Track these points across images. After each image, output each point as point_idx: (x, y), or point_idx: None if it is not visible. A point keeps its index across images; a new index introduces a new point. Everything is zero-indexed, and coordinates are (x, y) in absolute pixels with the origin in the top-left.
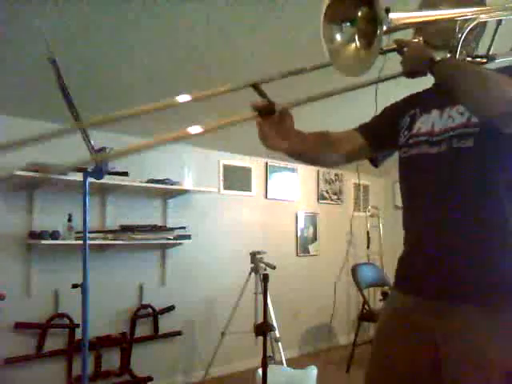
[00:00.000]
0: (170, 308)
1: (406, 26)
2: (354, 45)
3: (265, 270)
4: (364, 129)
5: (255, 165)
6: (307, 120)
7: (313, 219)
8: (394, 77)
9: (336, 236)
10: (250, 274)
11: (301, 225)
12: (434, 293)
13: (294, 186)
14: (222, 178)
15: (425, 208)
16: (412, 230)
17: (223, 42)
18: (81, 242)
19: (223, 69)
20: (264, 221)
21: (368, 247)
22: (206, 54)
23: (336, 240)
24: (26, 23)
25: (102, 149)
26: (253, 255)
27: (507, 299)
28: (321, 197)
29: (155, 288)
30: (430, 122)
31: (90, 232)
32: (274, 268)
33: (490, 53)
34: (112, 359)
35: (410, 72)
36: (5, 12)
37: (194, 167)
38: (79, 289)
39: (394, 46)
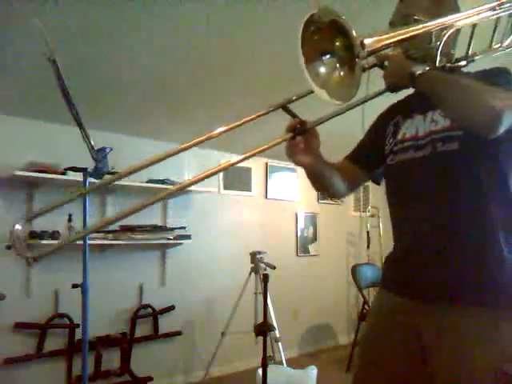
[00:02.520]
0: (170, 308)
1: (385, 47)
2: (337, 73)
3: (265, 270)
4: (356, 158)
5: (255, 165)
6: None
7: (313, 219)
8: (380, 94)
9: (336, 236)
10: (250, 274)
11: (301, 225)
12: (423, 294)
13: (293, 186)
14: (221, 178)
15: (412, 212)
16: (400, 232)
17: (223, 42)
18: (81, 242)
19: (223, 69)
20: (264, 221)
21: (368, 247)
22: (206, 54)
23: (336, 240)
24: (25, 23)
25: (102, 149)
26: (253, 255)
27: (495, 299)
28: (321, 197)
29: (155, 288)
30: (414, 126)
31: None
32: (273, 268)
33: (469, 55)
34: (112, 359)
35: (393, 87)
36: (5, 12)
37: (193, 167)
38: (79, 289)
39: (375, 61)
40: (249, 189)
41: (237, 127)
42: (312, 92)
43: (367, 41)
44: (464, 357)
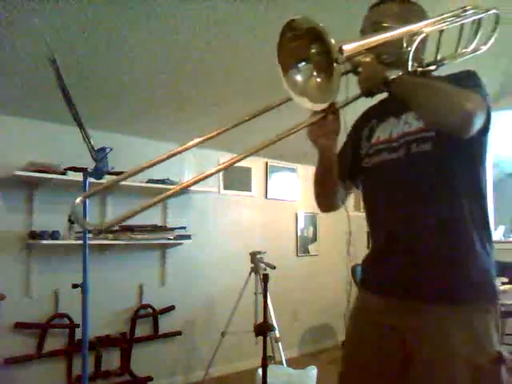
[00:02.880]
0: (170, 308)
1: (360, 52)
2: (315, 79)
3: (265, 270)
4: (341, 174)
5: (255, 165)
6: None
7: (313, 219)
8: (355, 99)
9: (336, 236)
10: (250, 274)
11: (301, 225)
12: (403, 293)
13: (293, 186)
14: (222, 177)
15: (387, 212)
16: (376, 233)
17: (223, 42)
18: (81, 241)
19: (223, 69)
20: (264, 221)
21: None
22: (206, 54)
23: (336, 240)
24: (25, 23)
25: (102, 149)
26: (253, 255)
27: (469, 296)
28: None
29: (155, 288)
30: (387, 129)
31: (90, 232)
32: (273, 268)
33: (438, 59)
34: (112, 359)
35: (368, 92)
36: (5, 12)
37: (194, 167)
38: (79, 289)
39: (349, 68)
40: (249, 189)
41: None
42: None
43: (345, 46)
44: (441, 353)
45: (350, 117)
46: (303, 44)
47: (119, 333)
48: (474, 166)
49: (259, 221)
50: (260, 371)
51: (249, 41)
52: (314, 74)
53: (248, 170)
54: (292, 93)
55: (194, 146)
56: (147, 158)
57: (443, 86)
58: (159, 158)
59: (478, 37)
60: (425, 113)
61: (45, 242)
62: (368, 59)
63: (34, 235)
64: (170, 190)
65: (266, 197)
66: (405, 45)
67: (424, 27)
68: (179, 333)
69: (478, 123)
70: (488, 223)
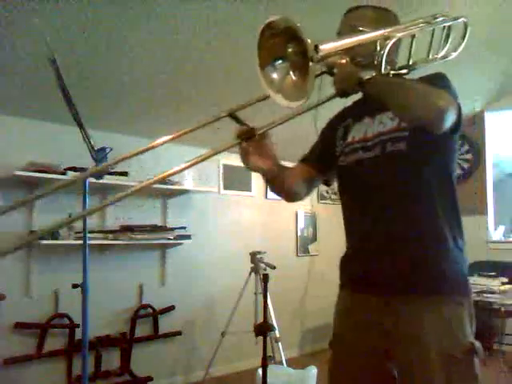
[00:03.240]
0: (170, 308)
1: (335, 53)
2: (291, 77)
3: (265, 270)
4: (309, 160)
5: None
6: None
7: (313, 219)
8: (329, 99)
9: (336, 236)
10: (250, 274)
11: (301, 225)
12: (380, 289)
13: None
14: (222, 177)
15: (363, 211)
16: (353, 232)
17: (223, 42)
18: (81, 241)
19: (223, 69)
20: (264, 221)
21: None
22: (206, 54)
23: (336, 240)
24: (26, 23)
25: (102, 149)
26: (253, 255)
27: (443, 289)
28: (321, 197)
29: (155, 288)
30: (363, 129)
31: (89, 232)
32: (273, 268)
33: (410, 63)
34: (112, 359)
35: (343, 92)
36: (5, 12)
37: (194, 167)
38: (79, 289)
39: (325, 69)
40: (249, 189)
41: (183, 134)
42: (263, 99)
43: (321, 45)
44: (417, 345)
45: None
46: (281, 42)
47: (119, 333)
48: (446, 164)
49: (259, 221)
50: (260, 371)
51: (249, 41)
52: (291, 72)
53: (248, 170)
54: (269, 90)
55: (164, 143)
56: (147, 157)
57: (416, 85)
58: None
59: (448, 44)
60: (399, 110)
61: (45, 242)
62: (343, 61)
63: None
64: (171, 190)
65: (266, 197)
66: (378, 48)
67: (397, 31)
68: (179, 333)
69: (449, 119)
70: (460, 220)
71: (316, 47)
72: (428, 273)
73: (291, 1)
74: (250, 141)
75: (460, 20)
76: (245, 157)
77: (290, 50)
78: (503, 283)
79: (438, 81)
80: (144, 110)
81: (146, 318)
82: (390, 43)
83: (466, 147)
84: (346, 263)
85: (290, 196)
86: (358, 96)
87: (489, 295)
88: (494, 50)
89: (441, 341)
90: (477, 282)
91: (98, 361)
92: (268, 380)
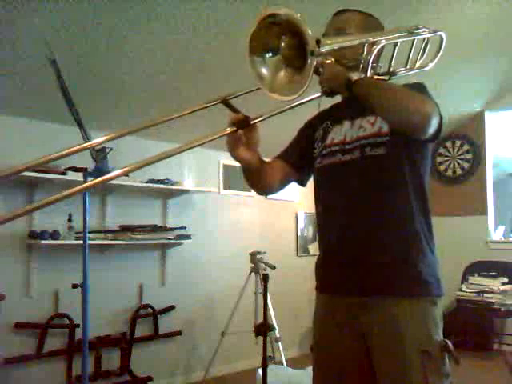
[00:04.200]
0: (170, 308)
1: (330, 52)
2: (288, 71)
3: (265, 270)
4: (286, 157)
5: None
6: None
7: (313, 219)
8: (316, 98)
9: None
10: (250, 274)
11: (301, 225)
12: (355, 291)
13: (294, 186)
14: (222, 178)
15: (339, 213)
16: (327, 234)
17: (223, 42)
18: (81, 241)
19: (223, 69)
20: (264, 221)
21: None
22: (206, 54)
23: None
24: (26, 23)
25: (102, 149)
26: (253, 255)
27: (419, 290)
28: None
29: (155, 288)
30: (342, 132)
31: (90, 232)
32: (273, 268)
33: (391, 70)
34: (112, 359)
35: (330, 91)
36: (5, 12)
37: (194, 167)
38: (79, 289)
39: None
40: (249, 189)
41: (167, 121)
42: (257, 89)
43: (323, 40)
44: (394, 342)
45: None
46: (275, 35)
47: (119, 333)
48: (420, 169)
49: (259, 221)
50: (260, 371)
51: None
52: (284, 66)
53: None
54: (261, 84)
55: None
56: (146, 157)
57: (403, 89)
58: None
59: (425, 55)
60: (386, 112)
61: (45, 241)
62: (329, 61)
63: (34, 235)
64: (171, 190)
65: (266, 197)
66: (365, 52)
67: (383, 37)
68: (179, 333)
69: (433, 126)
70: (431, 223)
71: (318, 42)
72: (406, 275)
73: (291, 1)
74: (243, 129)
75: (438, 33)
76: (234, 145)
77: (284, 43)
78: (503, 283)
79: (420, 90)
80: (144, 110)
81: (146, 317)
82: (377, 48)
83: (466, 147)
84: (322, 266)
85: (264, 190)
86: (337, 99)
87: (489, 295)
88: (494, 50)
89: (417, 339)
90: (477, 281)
91: (98, 361)
92: (268, 380)
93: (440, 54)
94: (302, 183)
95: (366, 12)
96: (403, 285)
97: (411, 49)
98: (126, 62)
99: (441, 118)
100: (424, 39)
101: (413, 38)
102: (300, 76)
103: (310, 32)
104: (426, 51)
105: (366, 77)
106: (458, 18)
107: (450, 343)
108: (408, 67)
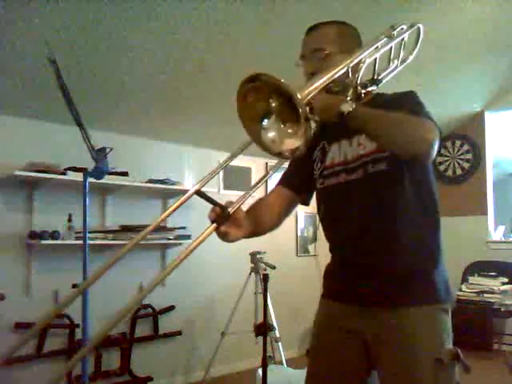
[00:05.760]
0: (170, 308)
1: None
2: (284, 130)
3: (265, 270)
4: (287, 182)
5: (255, 165)
6: None
7: (313, 219)
8: (314, 130)
9: None
10: (250, 274)
11: (301, 225)
12: (362, 300)
13: None
14: (222, 177)
15: (348, 231)
16: (336, 247)
17: (223, 42)
18: (81, 241)
19: (223, 69)
20: None
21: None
22: (206, 54)
23: None
24: (26, 23)
25: (102, 149)
26: (253, 255)
27: (430, 298)
28: None
29: (155, 288)
30: (341, 151)
31: (90, 232)
32: (273, 268)
33: (376, 78)
34: (112, 359)
35: (325, 121)
36: (5, 12)
37: (194, 167)
38: None
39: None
40: (249, 189)
41: None
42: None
43: (301, 95)
44: (408, 350)
45: None
46: (263, 98)
47: (119, 333)
48: (425, 177)
49: None
50: (260, 371)
51: (249, 41)
52: (281, 123)
53: (248, 170)
54: (269, 149)
55: None
56: (147, 157)
57: (399, 117)
58: None
59: (404, 49)
60: (385, 144)
61: (45, 241)
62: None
63: (34, 235)
64: (171, 190)
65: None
66: (350, 74)
67: (365, 54)
68: (179, 333)
69: (436, 149)
70: (440, 230)
71: (309, 104)
72: (419, 285)
73: (291, 1)
74: (223, 223)
75: (416, 26)
76: (224, 237)
77: (273, 104)
78: (503, 283)
79: (412, 102)
80: (144, 109)
81: (146, 318)
82: (363, 68)
83: (466, 147)
84: (330, 275)
85: (273, 230)
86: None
87: (489, 295)
88: (494, 50)
89: (431, 347)
90: (477, 281)
91: (98, 361)
92: (268, 380)
93: (418, 46)
94: (307, 203)
95: (339, 21)
96: (416, 295)
97: (390, 50)
98: (125, 62)
99: (440, 133)
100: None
101: (393, 41)
102: (298, 127)
103: (298, 96)
104: (405, 45)
105: (358, 107)
106: (458, 18)
107: (460, 351)
108: (391, 66)
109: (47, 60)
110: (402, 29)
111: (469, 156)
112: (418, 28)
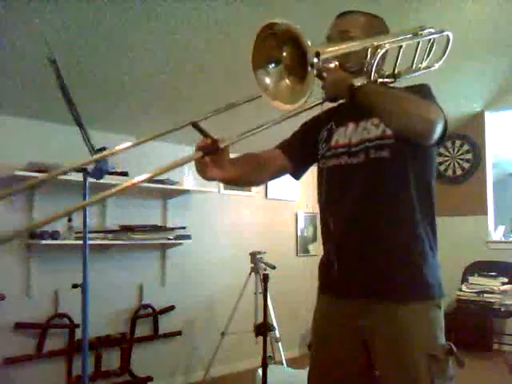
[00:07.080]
0: (170, 308)
1: (331, 59)
2: (286, 81)
3: (265, 270)
4: (286, 148)
5: None
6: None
7: (313, 219)
8: (318, 104)
9: None
10: (250, 274)
11: (301, 225)
12: (358, 294)
13: (293, 186)
14: None
15: (344, 216)
16: (331, 236)
17: (223, 42)
18: (81, 241)
19: (223, 69)
20: (264, 221)
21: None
22: (206, 54)
23: None
24: (26, 23)
25: (102, 149)
26: (253, 255)
27: (423, 293)
28: None
29: (155, 288)
30: (346, 134)
31: (90, 232)
32: (273, 268)
33: (396, 72)
34: (112, 359)
35: (333, 97)
36: (5, 12)
37: (193, 167)
38: (79, 289)
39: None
40: (249, 189)
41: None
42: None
43: (322, 51)
44: (402, 347)
45: None
46: (277, 45)
47: (119, 333)
48: (426, 171)
49: (259, 221)
50: (260, 371)
51: (249, 41)
52: (286, 75)
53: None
54: (263, 93)
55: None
56: (147, 157)
57: (407, 96)
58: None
59: (431, 55)
60: (390, 121)
61: (45, 241)
62: (332, 65)
63: (34, 235)
64: (171, 190)
65: (266, 197)
66: (368, 56)
67: (387, 41)
68: (179, 333)
69: (438, 132)
70: (435, 226)
71: (318, 54)
72: (410, 278)
73: (291, 1)
74: (211, 155)
75: (445, 33)
76: (201, 169)
77: (285, 53)
78: (503, 283)
79: (424, 93)
80: (144, 109)
81: (146, 317)
82: (381, 52)
83: (466, 147)
84: (324, 269)
85: (253, 185)
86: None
87: (489, 295)
88: (494, 50)
89: (424, 343)
90: (477, 281)
91: (98, 361)
92: (268, 380)
93: (447, 54)
94: (296, 177)
95: (371, 13)
96: (407, 288)
97: (417, 50)
98: (125, 62)
99: (445, 122)
100: (430, 40)
101: (418, 39)
102: (301, 86)
103: (309, 43)
104: (432, 51)
105: (369, 83)
106: (458, 18)
107: (454, 346)
108: (414, 68)
109: (47, 60)
110: (430, 32)
111: (469, 156)
112: (448, 36)
